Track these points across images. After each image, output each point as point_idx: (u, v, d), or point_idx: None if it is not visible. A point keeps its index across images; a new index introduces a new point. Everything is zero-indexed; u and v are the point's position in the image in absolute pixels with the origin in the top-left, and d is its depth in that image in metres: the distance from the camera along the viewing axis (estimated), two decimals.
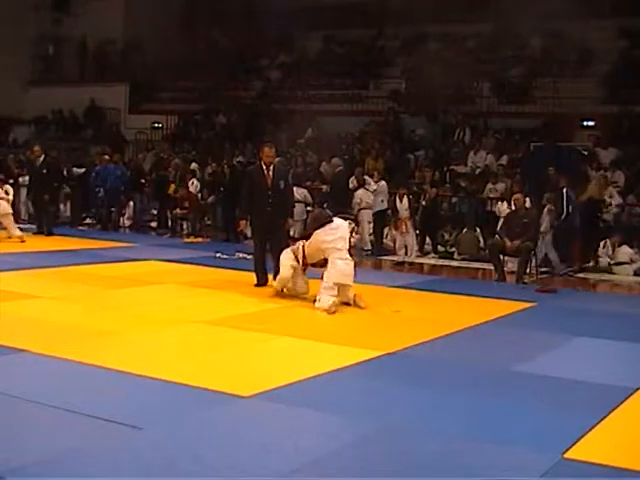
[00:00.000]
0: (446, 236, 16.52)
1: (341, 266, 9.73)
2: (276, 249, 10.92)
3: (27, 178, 19.49)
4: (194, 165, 20.39)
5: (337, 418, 5.56)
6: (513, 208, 13.44)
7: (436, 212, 16.40)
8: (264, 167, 11.22)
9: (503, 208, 15.28)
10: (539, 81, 21.20)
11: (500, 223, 14.26)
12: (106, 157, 19.93)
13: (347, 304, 9.80)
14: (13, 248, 14.54)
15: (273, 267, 11.07)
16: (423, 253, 15.81)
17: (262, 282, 11.26)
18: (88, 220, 20.30)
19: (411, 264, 14.81)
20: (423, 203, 16.00)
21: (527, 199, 14.51)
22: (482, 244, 15.66)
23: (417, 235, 15.69)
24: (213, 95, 25.61)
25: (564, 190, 14.09)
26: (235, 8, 26.17)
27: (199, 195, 18.98)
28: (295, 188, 16.95)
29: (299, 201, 17.22)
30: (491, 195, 16.79)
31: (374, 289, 11.15)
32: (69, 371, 6.48)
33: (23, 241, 15.44)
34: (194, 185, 18.85)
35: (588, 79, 20.14)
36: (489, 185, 16.85)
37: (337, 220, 10.18)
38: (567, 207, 13.93)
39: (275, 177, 11.23)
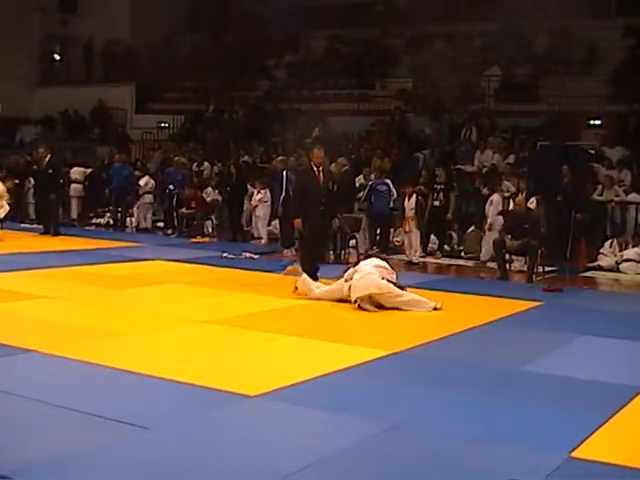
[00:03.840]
0: (454, 235, 16.47)
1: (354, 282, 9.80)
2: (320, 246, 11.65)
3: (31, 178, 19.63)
4: (206, 165, 20.36)
5: (343, 418, 5.56)
6: (512, 208, 13.60)
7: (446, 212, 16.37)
8: (315, 168, 11.75)
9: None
10: (545, 80, 21.14)
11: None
12: (117, 156, 20.16)
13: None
14: (19, 248, 14.56)
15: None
16: (427, 252, 15.76)
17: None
18: (95, 220, 20.38)
19: (416, 263, 14.79)
20: (436, 203, 15.91)
21: (533, 199, 14.56)
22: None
23: (421, 235, 15.60)
24: (219, 95, 25.62)
25: (284, 172, 15.61)
26: (241, 8, 26.19)
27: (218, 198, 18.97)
28: None
29: None
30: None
31: None
32: (75, 371, 6.49)
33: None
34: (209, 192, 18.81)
35: (594, 78, 20.08)
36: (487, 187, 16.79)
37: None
38: (286, 188, 15.41)
39: (325, 178, 11.86)
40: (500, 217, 14.89)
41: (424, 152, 19.71)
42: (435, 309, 9.72)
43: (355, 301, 9.64)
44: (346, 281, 10.02)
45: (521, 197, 13.44)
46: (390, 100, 22.63)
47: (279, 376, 6.44)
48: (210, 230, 18.52)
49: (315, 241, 11.82)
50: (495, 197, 15.19)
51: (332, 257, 14.92)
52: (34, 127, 27.56)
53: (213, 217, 18.83)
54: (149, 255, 14.29)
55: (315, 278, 11.27)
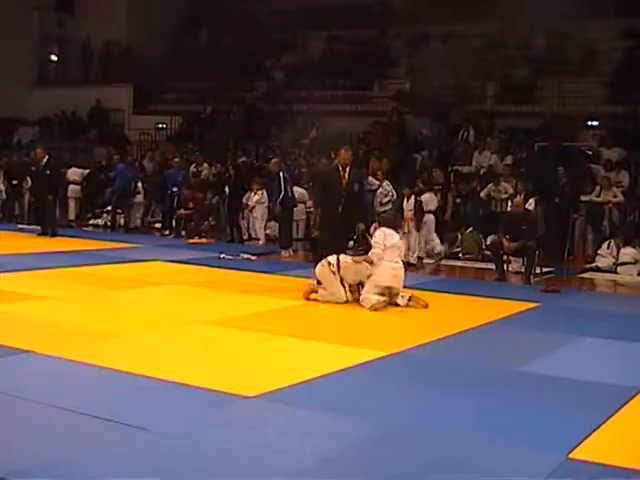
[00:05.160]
0: (459, 237, 16.45)
1: (388, 269, 9.86)
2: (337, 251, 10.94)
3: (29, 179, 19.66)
4: (205, 166, 20.36)
5: (341, 419, 5.55)
6: (510, 209, 13.65)
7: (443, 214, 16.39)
8: (340, 169, 11.42)
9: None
10: (543, 81, 21.17)
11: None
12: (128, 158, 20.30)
13: (396, 304, 9.88)
14: (17, 249, 14.54)
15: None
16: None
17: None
18: (93, 221, 20.38)
19: (414, 264, 14.78)
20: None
21: (531, 200, 14.58)
22: (484, 244, 15.64)
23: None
24: (217, 96, 25.63)
25: (280, 173, 15.70)
26: (238, 9, 26.19)
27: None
28: (295, 188, 17.04)
29: (299, 201, 17.27)
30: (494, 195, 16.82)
31: None
32: (73, 372, 6.48)
33: None
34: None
35: (592, 79, 20.12)
36: (490, 186, 16.86)
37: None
38: (284, 189, 15.73)
39: (350, 179, 11.42)
40: (431, 216, 15.20)
41: (422, 153, 19.74)
42: (409, 300, 9.85)
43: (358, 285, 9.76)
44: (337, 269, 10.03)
45: (519, 198, 13.45)
46: (388, 101, 22.67)
47: (277, 377, 6.43)
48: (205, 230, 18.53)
49: (326, 240, 11.47)
50: (425, 196, 15.33)
51: None
52: (32, 128, 27.57)
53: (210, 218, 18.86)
54: (146, 256, 14.28)
55: None
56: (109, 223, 19.82)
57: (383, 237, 10.00)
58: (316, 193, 12.15)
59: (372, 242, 10.11)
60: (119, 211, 19.52)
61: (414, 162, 19.42)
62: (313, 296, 10.26)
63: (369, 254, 9.97)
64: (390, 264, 9.94)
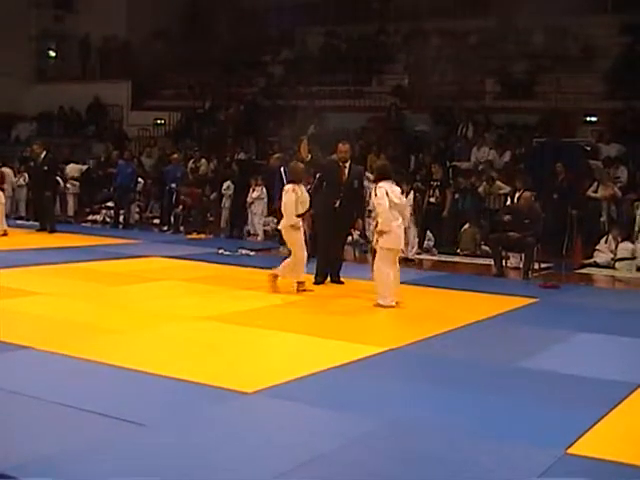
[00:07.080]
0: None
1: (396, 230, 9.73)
2: (334, 248, 10.98)
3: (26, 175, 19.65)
4: (203, 162, 20.33)
5: (341, 414, 5.56)
6: (516, 202, 13.63)
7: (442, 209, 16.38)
8: (341, 164, 11.19)
9: None
10: (542, 77, 21.15)
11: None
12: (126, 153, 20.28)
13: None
14: (16, 245, 14.55)
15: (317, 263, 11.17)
16: (423, 249, 15.77)
17: (321, 280, 11.13)
18: (92, 217, 20.36)
19: (412, 260, 14.77)
20: (432, 200, 15.93)
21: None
22: (480, 241, 15.64)
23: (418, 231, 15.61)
24: (215, 91, 25.60)
25: (281, 169, 14.97)
26: (237, 4, 26.17)
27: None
28: None
29: None
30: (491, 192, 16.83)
31: None
32: (72, 368, 6.48)
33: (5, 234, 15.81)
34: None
35: (591, 75, 20.11)
36: (484, 184, 16.85)
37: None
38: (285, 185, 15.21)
39: (350, 175, 11.21)
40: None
41: (418, 149, 19.71)
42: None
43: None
44: None
45: (528, 193, 13.41)
46: (386, 96, 22.63)
47: (276, 373, 6.45)
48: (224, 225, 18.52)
49: (324, 236, 11.35)
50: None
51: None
52: (30, 124, 27.50)
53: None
54: (145, 252, 14.28)
55: (323, 279, 11.17)
56: (108, 219, 19.79)
57: (385, 193, 9.57)
58: (314, 188, 11.95)
59: (375, 202, 9.73)
60: (122, 207, 19.50)
61: (411, 157, 19.43)
62: (278, 283, 10.44)
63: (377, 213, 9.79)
64: (396, 223, 9.68)
